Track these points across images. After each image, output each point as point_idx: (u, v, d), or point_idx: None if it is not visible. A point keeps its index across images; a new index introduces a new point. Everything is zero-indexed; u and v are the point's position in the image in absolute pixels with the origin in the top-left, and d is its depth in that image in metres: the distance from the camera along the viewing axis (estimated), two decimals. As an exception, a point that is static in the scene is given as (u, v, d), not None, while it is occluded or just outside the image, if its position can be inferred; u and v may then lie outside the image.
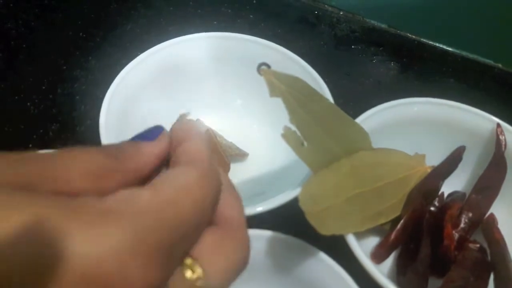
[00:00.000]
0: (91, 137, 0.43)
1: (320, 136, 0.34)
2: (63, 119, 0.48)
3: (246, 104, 0.45)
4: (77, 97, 0.50)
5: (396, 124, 0.42)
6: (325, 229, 0.31)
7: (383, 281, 0.32)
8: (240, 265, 0.20)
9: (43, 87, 0.51)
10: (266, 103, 0.44)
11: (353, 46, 0.55)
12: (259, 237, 0.36)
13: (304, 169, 0.36)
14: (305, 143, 0.33)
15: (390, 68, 0.54)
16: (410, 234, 0.39)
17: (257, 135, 0.44)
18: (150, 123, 0.40)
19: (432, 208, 0.40)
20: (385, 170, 0.39)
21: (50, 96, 0.50)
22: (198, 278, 0.18)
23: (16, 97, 0.50)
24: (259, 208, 0.34)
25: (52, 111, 0.49)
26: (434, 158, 0.42)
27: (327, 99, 0.36)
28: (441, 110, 0.42)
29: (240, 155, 0.42)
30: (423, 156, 0.42)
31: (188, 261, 0.18)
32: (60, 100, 0.50)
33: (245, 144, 0.43)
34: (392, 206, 0.39)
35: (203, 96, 0.44)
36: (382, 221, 0.38)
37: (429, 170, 0.41)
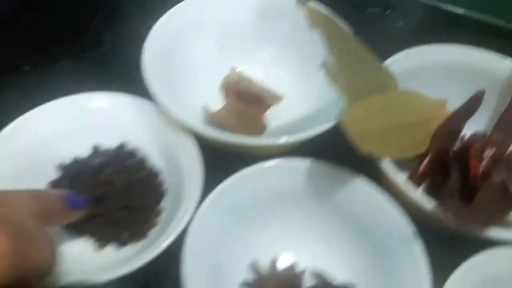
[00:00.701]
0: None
1: (353, 72, 0.37)
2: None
3: (277, 54, 0.47)
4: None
5: (419, 69, 0.44)
6: (365, 148, 0.34)
7: (419, 198, 0.34)
8: None
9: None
10: (295, 54, 0.46)
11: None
12: (300, 165, 0.38)
13: (334, 111, 0.38)
14: (342, 77, 0.36)
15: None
16: (437, 169, 0.41)
17: (288, 83, 0.46)
18: (190, 67, 0.43)
19: (455, 147, 0.43)
20: (410, 111, 0.41)
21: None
22: None
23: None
24: (298, 136, 0.37)
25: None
26: (455, 103, 0.44)
27: (357, 40, 0.38)
28: (462, 55, 0.44)
29: (275, 98, 0.45)
30: (445, 100, 0.44)
31: None
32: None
33: (281, 89, 0.46)
34: (418, 144, 0.41)
35: (238, 46, 0.47)
36: (411, 155, 0.40)
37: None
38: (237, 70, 0.47)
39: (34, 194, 0.30)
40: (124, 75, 0.50)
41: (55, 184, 0.40)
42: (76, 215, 0.34)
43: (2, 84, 0.49)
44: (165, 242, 0.34)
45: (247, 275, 0.38)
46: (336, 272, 0.38)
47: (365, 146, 0.34)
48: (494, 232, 0.34)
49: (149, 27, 0.43)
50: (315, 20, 0.36)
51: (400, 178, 0.35)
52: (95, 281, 0.32)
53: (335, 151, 0.39)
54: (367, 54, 0.38)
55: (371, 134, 0.35)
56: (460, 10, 0.57)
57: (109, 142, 0.42)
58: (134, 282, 0.34)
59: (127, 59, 0.51)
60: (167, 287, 0.36)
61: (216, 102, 0.46)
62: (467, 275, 0.34)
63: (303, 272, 0.38)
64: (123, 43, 0.53)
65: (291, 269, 0.38)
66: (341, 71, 0.35)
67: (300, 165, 0.38)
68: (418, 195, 0.35)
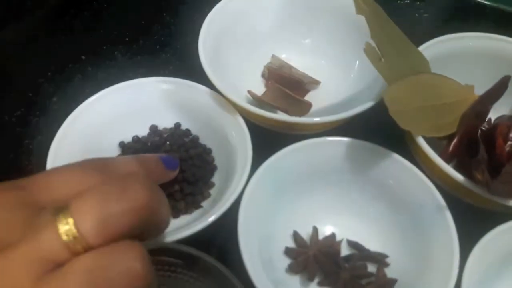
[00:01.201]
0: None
1: (393, 55, 0.40)
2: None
3: (315, 43, 0.51)
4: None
5: (449, 56, 0.47)
6: (403, 124, 0.38)
7: (451, 171, 0.38)
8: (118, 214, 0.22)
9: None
10: (332, 43, 0.50)
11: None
12: (339, 143, 0.42)
13: (369, 96, 0.42)
14: (382, 59, 0.40)
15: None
16: (465, 148, 0.44)
17: (326, 70, 0.50)
18: (236, 56, 0.46)
19: (483, 128, 0.46)
20: (441, 93, 0.45)
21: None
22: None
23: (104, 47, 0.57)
24: (340, 116, 0.40)
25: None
26: (482, 89, 0.47)
27: (397, 27, 0.42)
28: (489, 43, 0.47)
29: (313, 83, 0.49)
30: (472, 86, 0.48)
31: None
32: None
33: (317, 76, 0.50)
34: (448, 124, 0.45)
35: (278, 35, 0.51)
36: (442, 134, 0.44)
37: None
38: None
39: (137, 158, 0.32)
40: (175, 62, 0.55)
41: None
42: (170, 176, 0.38)
43: (67, 71, 0.54)
44: (220, 210, 0.38)
45: (290, 243, 0.42)
46: (371, 243, 0.42)
47: (403, 123, 0.38)
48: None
49: (196, 19, 0.47)
50: (362, 5, 0.39)
51: (433, 153, 0.39)
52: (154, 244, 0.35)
53: (371, 131, 0.42)
54: (405, 39, 0.41)
55: (408, 112, 0.39)
56: (487, 1, 0.60)
57: (165, 122, 0.46)
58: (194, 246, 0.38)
59: (178, 48, 0.56)
60: (224, 250, 0.40)
61: (258, 88, 0.50)
62: (492, 243, 0.37)
63: (340, 241, 0.42)
64: (173, 33, 0.57)
65: (330, 238, 0.42)
66: (381, 54, 0.39)
67: (340, 143, 0.42)
68: (450, 168, 0.38)
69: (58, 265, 0.22)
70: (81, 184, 0.25)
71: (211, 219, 0.37)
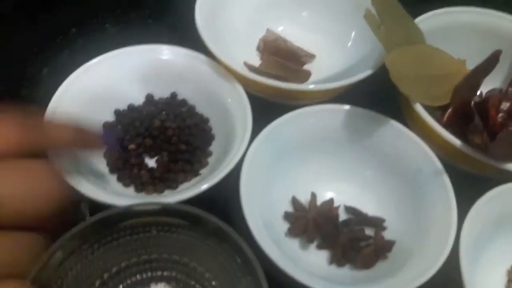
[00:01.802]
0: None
1: (391, 24, 0.41)
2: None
3: (311, 17, 0.51)
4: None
5: (442, 29, 0.48)
6: (403, 89, 0.38)
7: (448, 135, 0.39)
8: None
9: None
10: (329, 16, 0.51)
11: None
12: (337, 110, 0.42)
13: (365, 67, 0.42)
14: (381, 27, 0.40)
15: None
16: (459, 118, 0.45)
17: (320, 44, 0.51)
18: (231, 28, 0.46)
19: (475, 100, 0.47)
20: (435, 64, 0.46)
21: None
22: None
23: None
24: (339, 83, 0.41)
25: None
26: (475, 62, 0.48)
27: None
28: (482, 18, 0.48)
29: (308, 56, 0.49)
30: (464, 61, 0.49)
31: None
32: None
33: (312, 49, 0.50)
34: (442, 94, 0.46)
35: (273, 8, 0.51)
36: (436, 104, 0.45)
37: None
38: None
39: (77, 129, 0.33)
40: (168, 35, 0.54)
41: (107, 125, 0.44)
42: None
43: (57, 44, 0.53)
44: (222, 173, 0.38)
45: (289, 208, 0.42)
46: (368, 208, 0.43)
47: (403, 88, 0.38)
48: (512, 166, 0.39)
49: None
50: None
51: (431, 119, 0.40)
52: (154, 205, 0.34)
53: (367, 101, 0.43)
54: (402, 10, 0.42)
55: (407, 79, 0.39)
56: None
57: (161, 91, 0.46)
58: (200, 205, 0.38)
59: (171, 21, 0.56)
60: (226, 214, 0.40)
61: (254, 61, 0.50)
62: (488, 204, 0.38)
63: (338, 207, 0.42)
64: (165, 7, 0.57)
65: (328, 203, 0.42)
66: (381, 22, 0.40)
67: (338, 110, 0.42)
68: (448, 134, 0.39)
69: None
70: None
71: (212, 182, 0.37)
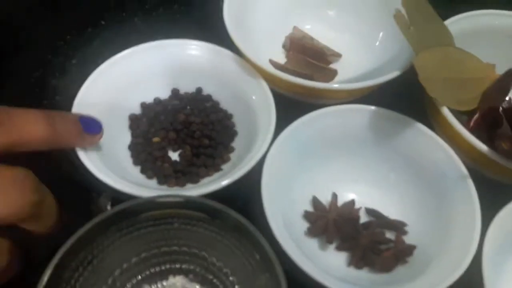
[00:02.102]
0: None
1: (421, 25, 0.40)
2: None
3: (338, 16, 0.51)
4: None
5: (472, 33, 0.47)
6: (431, 92, 0.38)
7: (475, 140, 0.38)
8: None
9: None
10: (356, 15, 0.50)
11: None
12: (362, 110, 0.42)
13: (391, 68, 0.42)
14: (411, 28, 0.40)
15: None
16: (487, 123, 0.45)
17: (348, 43, 0.50)
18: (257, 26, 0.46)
19: (504, 105, 0.46)
20: (464, 68, 0.45)
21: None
22: None
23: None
24: (366, 83, 0.40)
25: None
26: (504, 67, 0.48)
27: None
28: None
29: (335, 55, 0.49)
30: (493, 65, 0.48)
31: None
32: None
33: (338, 49, 0.50)
34: (469, 99, 0.45)
35: (300, 6, 0.51)
36: (463, 108, 0.44)
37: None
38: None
39: (49, 115, 0.30)
40: (195, 31, 0.55)
41: (133, 118, 0.44)
42: (89, 140, 0.34)
43: (86, 35, 0.54)
44: (244, 169, 0.38)
45: (309, 208, 0.42)
46: (390, 211, 0.42)
47: (431, 90, 0.38)
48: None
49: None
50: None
51: (458, 123, 0.39)
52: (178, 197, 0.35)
53: (392, 102, 0.43)
54: (432, 12, 0.41)
55: (435, 81, 0.39)
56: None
57: (187, 86, 0.46)
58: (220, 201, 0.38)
59: (198, 17, 0.56)
60: (246, 210, 0.40)
61: (279, 59, 0.50)
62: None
63: (359, 208, 0.42)
64: (193, 3, 0.57)
65: (349, 204, 0.42)
66: (410, 23, 0.39)
67: (363, 110, 0.42)
68: (475, 139, 0.38)
69: None
70: None
71: (234, 177, 0.37)
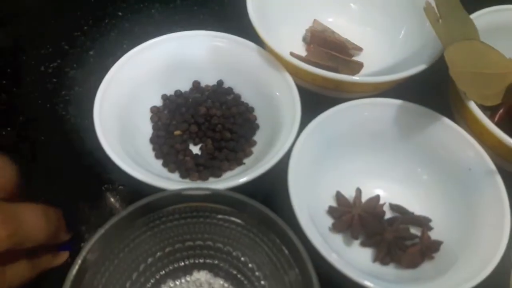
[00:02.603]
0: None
1: (450, 18, 0.40)
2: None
3: (360, 9, 0.50)
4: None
5: (497, 27, 0.47)
6: (461, 85, 0.37)
7: (502, 135, 0.38)
8: None
9: None
10: (380, 9, 0.49)
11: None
12: (388, 104, 0.41)
13: (417, 63, 0.41)
14: (440, 20, 0.39)
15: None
16: (510, 118, 0.44)
17: (370, 37, 0.49)
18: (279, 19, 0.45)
19: (527, 101, 0.45)
20: (488, 62, 0.44)
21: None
22: None
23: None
24: (395, 76, 0.40)
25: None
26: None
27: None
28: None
29: (356, 49, 0.48)
30: (517, 61, 0.47)
31: None
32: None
33: (360, 42, 0.49)
34: (494, 94, 0.44)
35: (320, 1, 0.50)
36: (488, 103, 0.43)
37: (522, 73, 0.46)
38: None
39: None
40: (213, 23, 0.54)
41: (155, 110, 0.44)
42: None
43: (103, 26, 0.53)
44: (269, 163, 0.37)
45: (333, 203, 0.41)
46: (415, 207, 0.42)
47: (461, 84, 0.37)
48: None
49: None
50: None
51: (485, 117, 0.38)
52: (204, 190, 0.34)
53: (415, 97, 0.42)
54: (460, 5, 0.41)
55: (465, 74, 0.38)
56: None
57: (207, 79, 0.46)
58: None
59: (216, 9, 0.55)
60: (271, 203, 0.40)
61: (300, 51, 0.49)
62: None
63: (384, 204, 0.42)
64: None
65: (374, 199, 0.41)
66: (439, 16, 0.39)
67: (389, 104, 0.41)
68: (502, 133, 0.38)
69: None
70: None
71: (259, 172, 0.37)
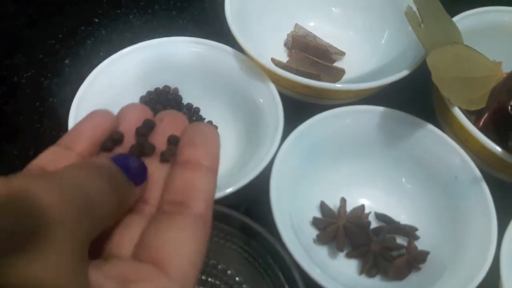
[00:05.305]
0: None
1: (431, 22, 0.39)
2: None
3: (342, 13, 0.49)
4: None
5: (480, 29, 0.46)
6: (443, 91, 0.36)
7: (487, 141, 0.37)
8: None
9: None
10: (362, 13, 0.49)
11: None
12: (373, 112, 0.40)
13: (398, 67, 0.40)
14: (422, 25, 0.38)
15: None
16: (495, 124, 0.43)
17: (352, 41, 0.49)
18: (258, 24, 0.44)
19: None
20: (474, 65, 0.44)
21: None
22: None
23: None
24: (377, 82, 0.39)
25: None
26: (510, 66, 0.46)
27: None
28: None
29: (339, 54, 0.47)
30: (500, 63, 0.47)
31: None
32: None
33: (342, 46, 0.48)
34: (478, 98, 0.44)
35: (303, 2, 0.49)
36: (472, 108, 0.43)
37: (505, 75, 0.46)
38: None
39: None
40: (192, 28, 0.53)
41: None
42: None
43: (79, 34, 0.52)
44: (249, 176, 0.36)
45: (317, 214, 0.40)
46: (401, 216, 0.41)
47: (444, 90, 0.37)
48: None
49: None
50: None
51: (470, 123, 0.38)
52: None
53: (399, 103, 0.41)
54: (442, 9, 0.40)
55: (447, 80, 0.38)
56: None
57: (188, 86, 0.44)
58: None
59: (195, 14, 0.54)
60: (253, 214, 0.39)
61: (281, 57, 0.48)
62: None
63: (369, 213, 0.41)
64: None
65: (359, 209, 0.40)
66: (421, 20, 0.38)
67: (372, 111, 0.40)
68: (487, 139, 0.37)
69: None
70: None
71: (241, 184, 0.35)
